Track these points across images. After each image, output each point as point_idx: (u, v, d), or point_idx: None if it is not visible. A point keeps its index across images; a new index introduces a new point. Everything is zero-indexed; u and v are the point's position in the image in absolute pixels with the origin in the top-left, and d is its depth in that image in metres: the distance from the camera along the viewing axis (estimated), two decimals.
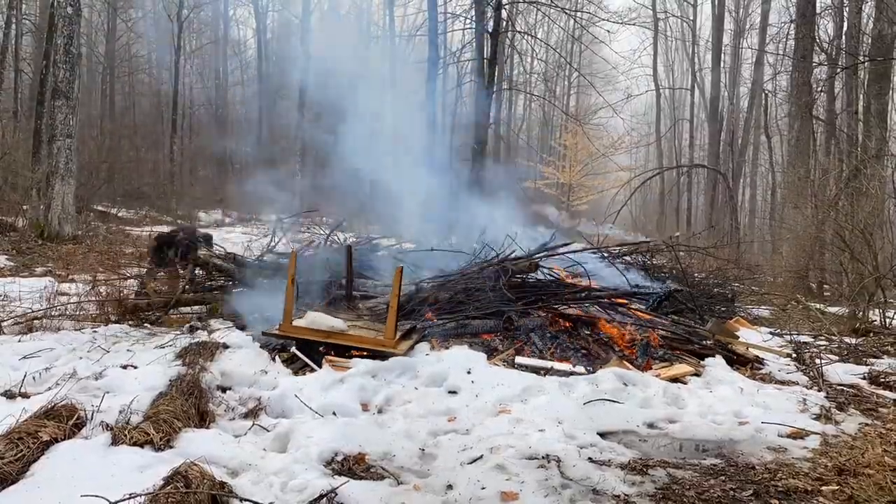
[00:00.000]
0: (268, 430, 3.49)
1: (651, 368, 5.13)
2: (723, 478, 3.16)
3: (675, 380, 4.85)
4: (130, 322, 6.05)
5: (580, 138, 26.75)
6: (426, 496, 2.84)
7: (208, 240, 7.56)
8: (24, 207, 12.11)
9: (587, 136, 26.65)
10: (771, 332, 7.21)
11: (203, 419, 3.51)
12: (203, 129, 30.45)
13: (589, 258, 8.77)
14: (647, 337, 5.68)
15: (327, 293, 6.62)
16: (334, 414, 3.78)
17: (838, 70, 15.95)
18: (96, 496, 2.35)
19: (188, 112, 30.14)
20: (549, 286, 6.73)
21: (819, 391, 4.82)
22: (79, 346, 4.96)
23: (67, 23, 11.26)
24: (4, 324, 5.49)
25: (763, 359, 5.76)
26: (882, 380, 5.11)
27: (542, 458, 3.25)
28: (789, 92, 17.55)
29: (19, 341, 4.97)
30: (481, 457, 3.24)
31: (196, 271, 7.07)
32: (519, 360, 5.06)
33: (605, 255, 9.26)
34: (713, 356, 5.45)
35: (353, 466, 3.13)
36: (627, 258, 9.65)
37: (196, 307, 6.82)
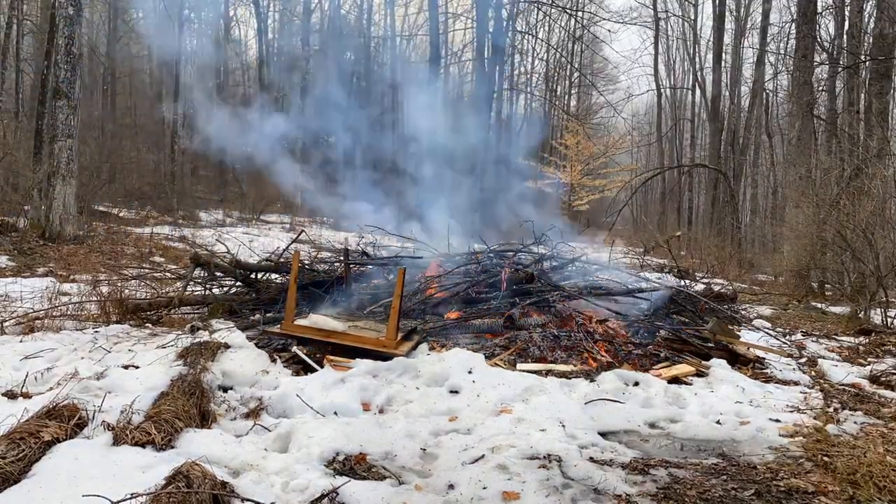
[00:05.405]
0: (269, 430, 3.49)
1: (652, 368, 5.13)
2: (724, 477, 3.15)
3: (676, 380, 4.85)
4: (132, 322, 6.05)
5: (581, 138, 26.74)
6: (427, 496, 2.84)
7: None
8: (26, 208, 12.11)
9: (588, 135, 26.65)
10: (772, 332, 7.20)
11: (204, 419, 3.51)
12: (204, 129, 30.42)
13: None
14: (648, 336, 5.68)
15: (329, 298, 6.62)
16: (335, 414, 3.78)
17: (839, 69, 15.97)
18: (98, 496, 2.35)
19: (189, 112, 30.13)
20: (548, 287, 6.73)
21: (820, 391, 4.82)
22: (80, 346, 4.95)
23: (68, 23, 11.26)
24: (6, 324, 5.49)
25: (764, 358, 5.75)
26: (883, 379, 5.11)
27: (544, 457, 3.25)
28: (790, 91, 17.53)
29: (21, 341, 4.97)
30: (483, 456, 3.23)
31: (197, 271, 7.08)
32: (520, 362, 5.05)
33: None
34: (715, 356, 5.46)
35: (354, 466, 3.13)
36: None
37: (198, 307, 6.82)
